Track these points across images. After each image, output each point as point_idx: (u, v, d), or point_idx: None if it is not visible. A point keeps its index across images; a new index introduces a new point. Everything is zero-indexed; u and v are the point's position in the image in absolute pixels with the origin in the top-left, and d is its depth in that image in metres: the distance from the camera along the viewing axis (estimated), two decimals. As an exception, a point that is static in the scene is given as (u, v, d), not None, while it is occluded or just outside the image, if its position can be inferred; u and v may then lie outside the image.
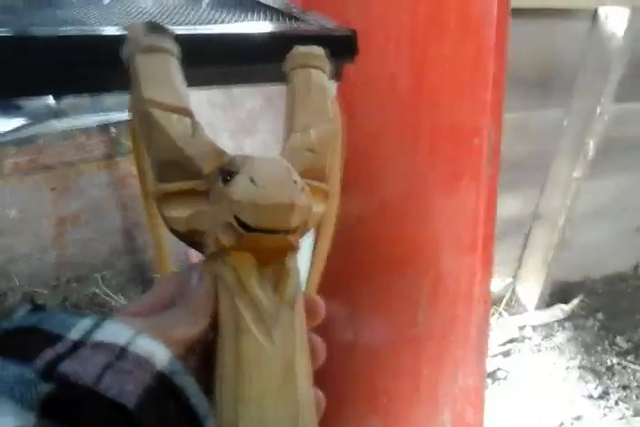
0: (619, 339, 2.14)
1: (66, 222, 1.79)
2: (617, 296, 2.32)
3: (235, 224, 0.35)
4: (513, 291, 2.25)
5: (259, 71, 0.60)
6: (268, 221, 0.34)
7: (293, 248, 0.37)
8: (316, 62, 0.44)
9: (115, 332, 0.32)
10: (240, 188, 0.35)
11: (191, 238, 0.38)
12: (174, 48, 0.41)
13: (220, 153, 0.38)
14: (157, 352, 0.32)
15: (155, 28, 0.41)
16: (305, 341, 0.37)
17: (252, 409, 0.34)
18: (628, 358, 2.06)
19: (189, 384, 0.32)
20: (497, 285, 2.19)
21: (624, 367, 2.02)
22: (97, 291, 1.88)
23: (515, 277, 2.23)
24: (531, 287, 2.21)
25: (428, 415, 1.22)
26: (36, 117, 0.81)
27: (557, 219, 2.04)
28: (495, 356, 2.00)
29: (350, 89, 0.77)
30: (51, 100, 0.76)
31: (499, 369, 1.96)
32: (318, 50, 0.45)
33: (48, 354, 0.29)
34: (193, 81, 0.42)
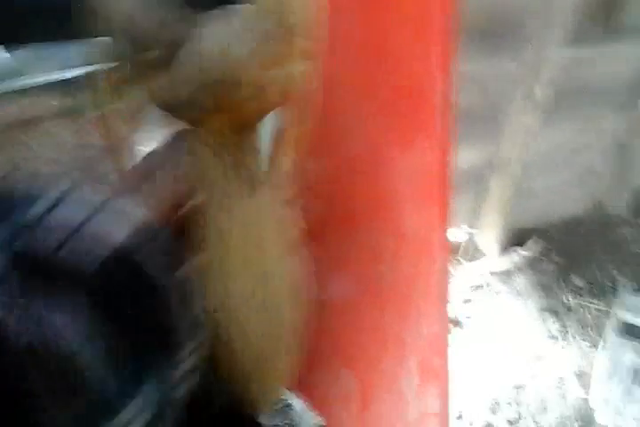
0: (575, 279, 2.21)
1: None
2: (572, 239, 2.37)
3: (199, 82, 0.34)
4: (472, 239, 2.28)
5: None
6: (229, 71, 0.34)
7: (270, 108, 0.37)
8: None
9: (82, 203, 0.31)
10: (206, 39, 0.34)
11: (171, 108, 0.37)
12: None
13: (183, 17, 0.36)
14: (120, 224, 0.31)
15: None
16: (279, 223, 0.38)
17: (240, 273, 0.35)
18: (585, 296, 2.14)
19: (153, 255, 0.32)
20: (456, 234, 2.22)
21: (581, 306, 2.10)
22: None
23: (473, 226, 2.27)
24: (489, 235, 2.25)
25: (394, 364, 1.25)
26: None
27: (513, 167, 2.07)
28: (456, 303, 2.04)
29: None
30: (3, 54, 0.74)
31: (461, 315, 2.01)
32: None
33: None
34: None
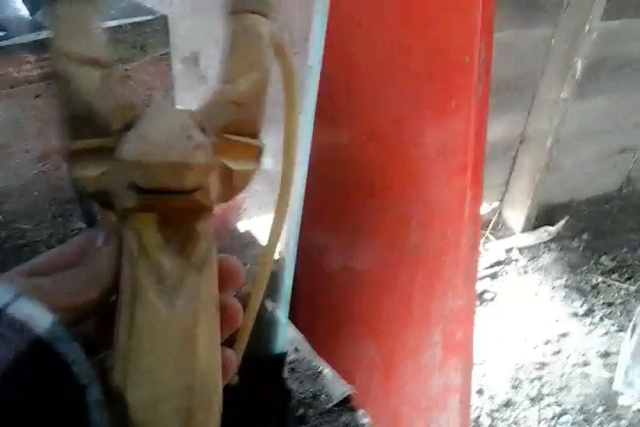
0: (603, 258, 2.18)
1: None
2: (602, 217, 2.34)
3: (126, 186, 0.33)
4: (500, 214, 2.26)
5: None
6: (158, 181, 0.32)
7: (204, 208, 0.35)
8: (259, 7, 0.40)
9: None
10: (129, 145, 0.33)
11: (102, 199, 0.36)
12: None
13: (131, 106, 0.35)
14: (37, 316, 0.30)
15: None
16: (214, 306, 0.36)
17: (143, 382, 0.33)
18: (613, 276, 2.11)
19: (72, 351, 0.30)
20: (484, 208, 2.19)
21: (609, 285, 2.07)
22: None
23: (501, 200, 2.24)
24: (517, 210, 2.23)
25: (419, 336, 1.24)
26: (10, 31, 0.76)
27: (544, 141, 2.03)
28: (483, 278, 2.03)
29: (338, 13, 0.74)
30: (23, 11, 0.72)
31: (486, 291, 2.00)
32: None
33: None
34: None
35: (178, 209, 0.34)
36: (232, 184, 0.37)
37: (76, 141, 0.35)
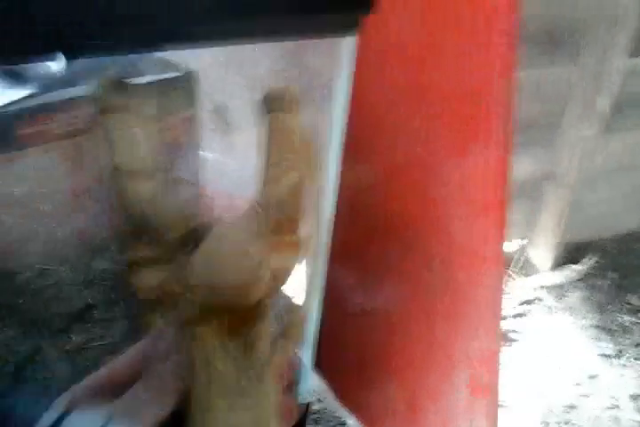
0: (632, 298, 2.14)
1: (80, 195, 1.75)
2: (629, 255, 2.30)
3: (192, 304, 0.34)
4: (525, 253, 2.23)
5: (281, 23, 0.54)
6: (222, 301, 0.34)
7: (260, 316, 0.37)
8: (286, 106, 0.42)
9: (82, 425, 0.30)
10: (193, 270, 0.34)
11: (160, 306, 0.37)
12: (138, 104, 0.39)
13: (186, 217, 0.37)
14: None
15: (114, 85, 0.39)
16: (276, 405, 0.36)
17: None
18: (641, 316, 2.06)
19: None
20: (509, 247, 2.18)
21: (638, 326, 2.02)
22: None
23: (527, 238, 2.22)
24: (543, 249, 2.20)
25: (442, 379, 1.22)
26: (43, 86, 0.77)
27: (569, 179, 2.01)
28: (509, 318, 2.00)
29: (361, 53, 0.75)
30: (56, 67, 0.73)
31: (512, 331, 1.96)
32: (289, 92, 0.43)
33: None
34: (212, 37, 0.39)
35: (238, 318, 0.35)
36: (276, 281, 0.38)
37: (134, 253, 0.37)
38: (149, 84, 0.70)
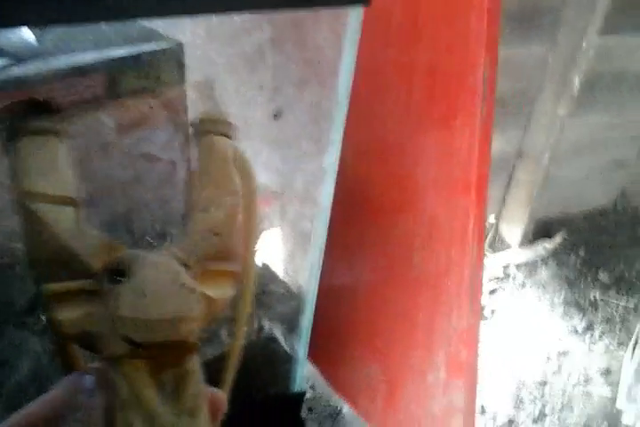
0: (601, 274, 2.17)
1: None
2: (598, 232, 2.33)
3: (120, 340, 0.32)
4: (496, 230, 2.25)
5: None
6: (156, 335, 0.32)
7: (193, 349, 0.34)
8: (219, 128, 0.41)
9: None
10: (123, 302, 0.32)
11: (84, 341, 0.34)
12: (60, 126, 0.36)
13: (109, 247, 0.34)
14: None
15: (36, 106, 0.37)
16: None
17: None
18: (611, 292, 2.10)
19: None
20: (481, 224, 2.18)
21: (607, 302, 2.06)
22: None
23: (498, 215, 2.24)
24: (514, 226, 2.22)
25: (423, 357, 1.23)
26: (15, 58, 0.73)
27: (541, 157, 2.02)
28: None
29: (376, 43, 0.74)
30: (30, 36, 0.69)
31: (484, 307, 1.98)
32: (219, 115, 0.42)
33: None
34: (191, 8, 0.37)
35: (169, 352, 0.33)
36: (211, 311, 0.36)
37: (52, 285, 0.34)
38: (137, 55, 0.67)
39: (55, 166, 0.35)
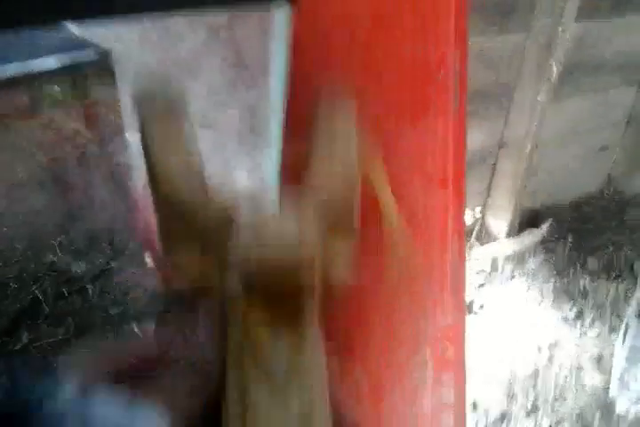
0: (590, 261, 2.16)
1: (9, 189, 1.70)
2: (585, 219, 2.33)
3: (239, 285, 0.33)
4: (483, 222, 2.24)
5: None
6: (271, 279, 0.33)
7: (309, 291, 0.35)
8: (340, 102, 0.43)
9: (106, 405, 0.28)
10: (242, 246, 0.33)
11: (201, 291, 0.36)
12: (184, 104, 0.39)
13: (228, 205, 0.36)
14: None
15: (164, 92, 0.38)
16: (325, 399, 0.35)
17: None
18: (599, 279, 2.09)
19: None
20: (466, 217, 2.18)
21: (596, 288, 2.05)
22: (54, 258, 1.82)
23: (484, 207, 2.22)
24: (500, 217, 2.21)
25: (408, 357, 1.21)
26: None
27: (524, 146, 2.01)
28: (469, 287, 2.01)
29: (303, 25, 0.72)
30: None
31: (474, 301, 1.97)
32: (344, 88, 0.44)
33: None
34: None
35: (283, 297, 0.34)
36: (329, 267, 0.38)
37: (174, 237, 0.36)
38: (65, 67, 0.65)
39: (182, 140, 0.37)
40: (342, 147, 0.41)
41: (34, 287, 1.70)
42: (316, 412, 0.33)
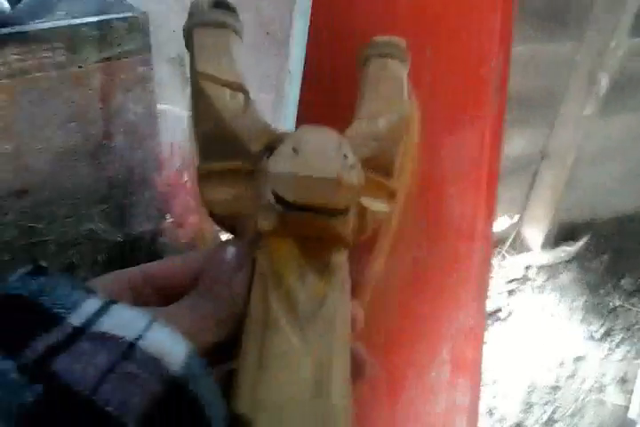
0: (623, 280, 2.12)
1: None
2: (623, 237, 2.28)
3: (272, 201, 0.31)
4: (518, 231, 2.21)
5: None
6: (308, 195, 0.31)
7: (342, 240, 0.34)
8: (394, 51, 0.42)
9: (123, 321, 0.27)
10: (280, 159, 0.32)
11: (231, 224, 0.35)
12: (237, 24, 0.39)
13: (270, 131, 0.35)
14: (172, 350, 0.27)
15: (219, 3, 0.39)
16: (346, 349, 0.34)
17: (271, 419, 0.30)
18: (632, 299, 2.05)
19: (207, 390, 0.27)
20: (502, 224, 2.16)
21: (628, 309, 2.02)
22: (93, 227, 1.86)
23: (521, 216, 2.20)
24: (537, 227, 2.18)
25: (426, 355, 1.21)
26: None
27: (566, 158, 1.99)
28: (499, 295, 1.99)
29: (343, 18, 0.72)
30: (4, 4, 0.70)
31: (501, 309, 1.95)
32: (398, 40, 0.43)
33: (41, 343, 0.25)
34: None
35: (316, 236, 0.33)
36: (364, 224, 0.36)
37: (210, 163, 0.35)
38: (100, 22, 0.67)
39: (227, 54, 0.37)
40: (392, 89, 0.41)
41: (71, 252, 1.73)
42: (335, 356, 0.32)
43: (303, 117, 0.71)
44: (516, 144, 1.90)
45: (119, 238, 1.70)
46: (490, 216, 1.11)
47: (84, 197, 1.89)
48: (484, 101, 1.03)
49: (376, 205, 0.38)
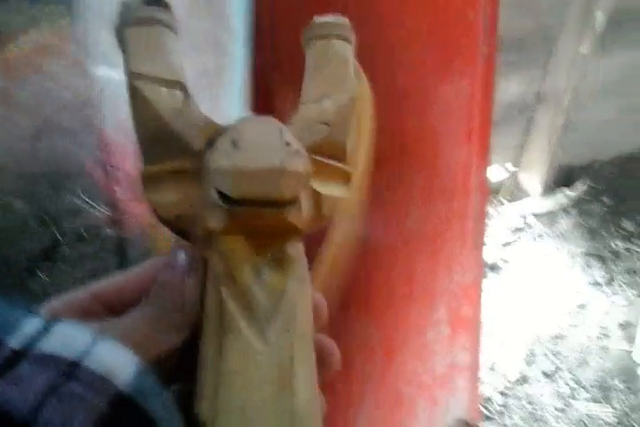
0: (625, 222, 2.10)
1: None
2: (624, 178, 2.25)
3: (217, 199, 0.30)
4: (515, 178, 2.18)
5: None
6: (251, 188, 0.30)
7: (294, 229, 0.33)
8: (338, 32, 0.41)
9: (66, 339, 0.25)
10: (219, 153, 0.31)
11: (180, 226, 0.34)
12: (170, 20, 0.37)
13: (212, 126, 0.34)
14: (120, 366, 0.25)
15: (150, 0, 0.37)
16: (310, 342, 0.33)
17: (234, 423, 0.29)
18: (635, 241, 2.03)
19: (159, 406, 0.26)
20: (498, 172, 2.13)
21: (630, 251, 2.00)
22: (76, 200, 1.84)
23: (517, 163, 2.16)
24: (534, 173, 2.15)
25: (422, 314, 1.20)
26: None
27: (562, 99, 1.95)
28: (497, 246, 1.97)
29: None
30: None
31: (500, 259, 1.93)
32: (341, 19, 0.41)
33: None
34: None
35: (267, 229, 0.33)
36: (319, 210, 0.36)
37: (152, 165, 0.34)
38: None
39: (162, 52, 0.36)
40: (338, 69, 0.39)
41: (54, 228, 1.71)
42: (298, 352, 0.31)
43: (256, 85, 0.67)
44: (510, 88, 1.87)
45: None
46: (484, 167, 1.09)
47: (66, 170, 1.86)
48: (473, 47, 0.99)
49: (331, 190, 0.36)
